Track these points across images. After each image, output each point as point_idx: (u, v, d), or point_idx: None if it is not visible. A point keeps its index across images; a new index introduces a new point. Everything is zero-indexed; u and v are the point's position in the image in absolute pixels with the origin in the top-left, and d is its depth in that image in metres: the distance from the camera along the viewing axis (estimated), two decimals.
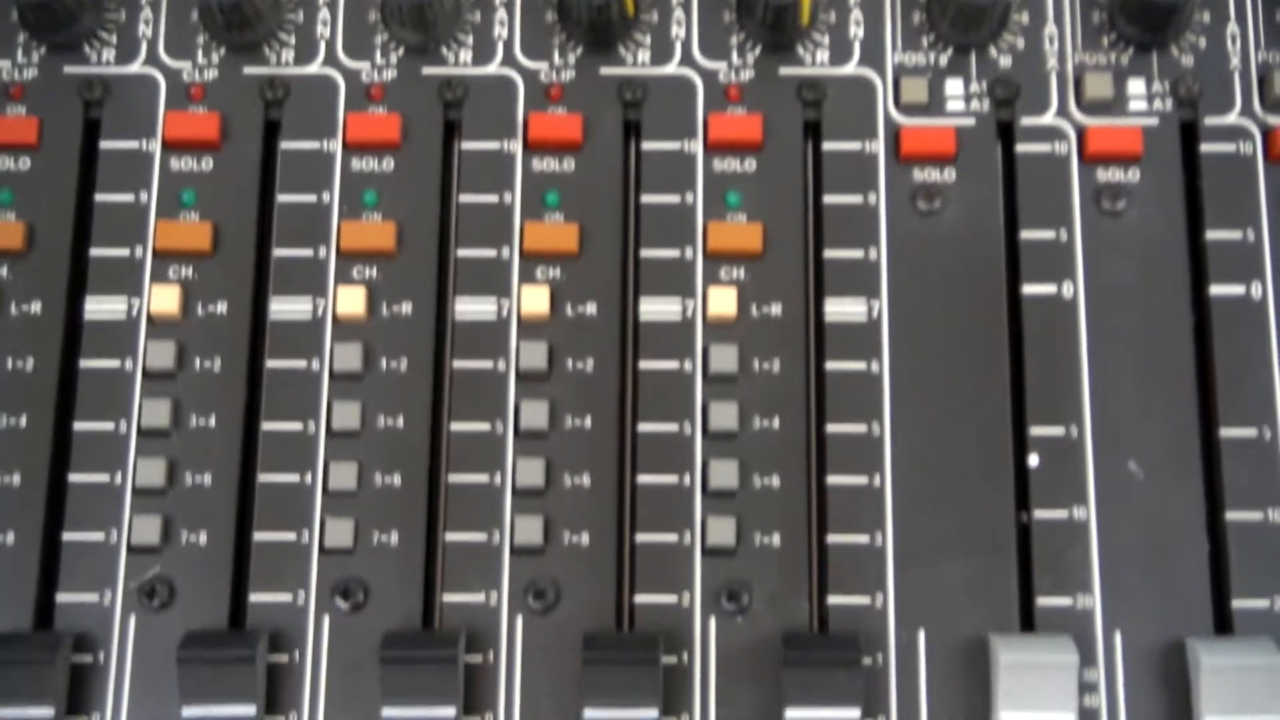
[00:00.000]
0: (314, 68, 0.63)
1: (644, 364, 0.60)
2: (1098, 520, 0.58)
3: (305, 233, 0.62)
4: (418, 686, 0.55)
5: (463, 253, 0.61)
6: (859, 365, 0.60)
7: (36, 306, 0.61)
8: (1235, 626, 0.57)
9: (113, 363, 0.60)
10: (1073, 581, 0.58)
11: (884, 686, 0.57)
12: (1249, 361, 0.60)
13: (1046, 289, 0.61)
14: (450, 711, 0.55)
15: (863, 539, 0.58)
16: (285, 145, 0.62)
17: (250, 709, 0.55)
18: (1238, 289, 0.60)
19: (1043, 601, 0.58)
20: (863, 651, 0.56)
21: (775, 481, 0.59)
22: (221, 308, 0.61)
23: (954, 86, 0.62)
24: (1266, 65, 0.62)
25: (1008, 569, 0.58)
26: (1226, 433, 0.59)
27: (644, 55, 0.63)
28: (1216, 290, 0.60)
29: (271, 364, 0.60)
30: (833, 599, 0.58)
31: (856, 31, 0.63)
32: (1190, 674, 0.56)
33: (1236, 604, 0.57)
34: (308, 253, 0.61)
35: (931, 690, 0.57)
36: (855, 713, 0.55)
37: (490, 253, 0.61)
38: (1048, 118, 0.62)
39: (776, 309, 0.61)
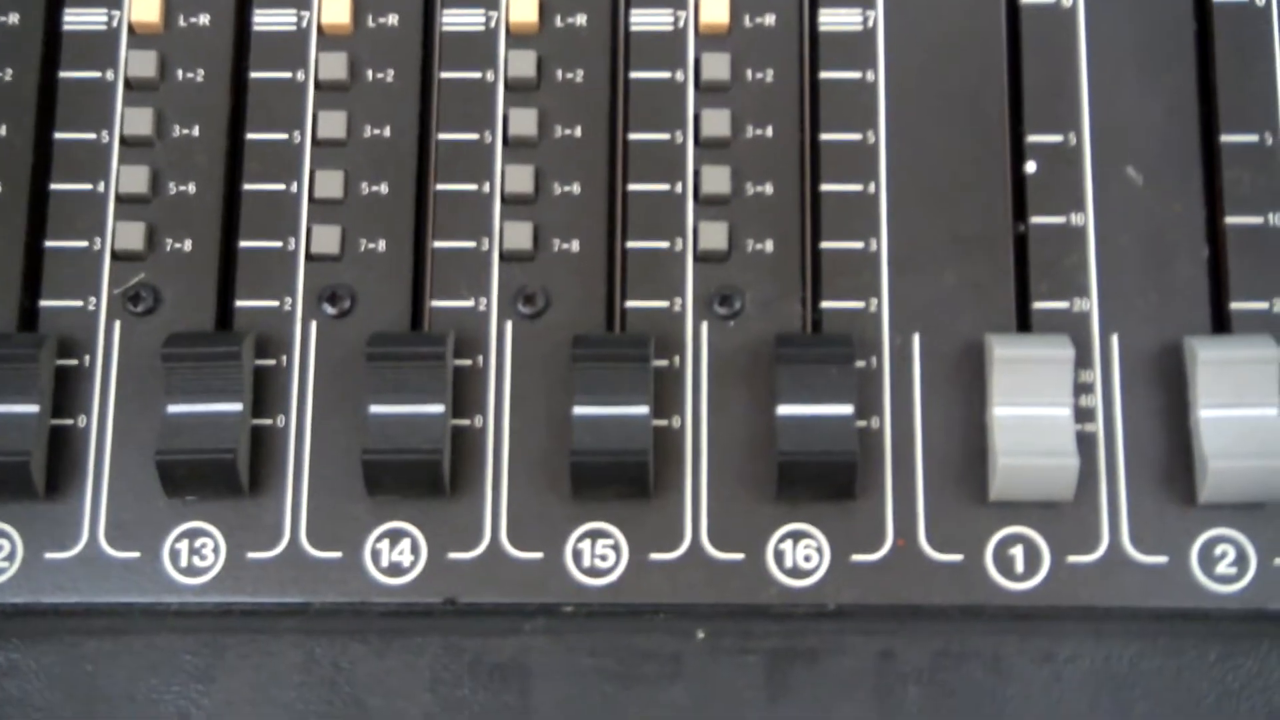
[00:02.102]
0: None
1: (635, 74, 0.59)
2: (1096, 226, 0.58)
3: None
4: (405, 384, 0.55)
5: None
6: (854, 74, 0.59)
7: (15, 17, 0.60)
8: (1233, 328, 0.56)
9: (94, 73, 0.59)
10: (1070, 286, 0.57)
11: (878, 389, 0.56)
12: (1252, 68, 0.59)
13: None
14: (439, 409, 0.55)
15: (857, 245, 0.58)
16: None
17: (237, 406, 0.55)
18: None
19: (1039, 305, 0.57)
20: (856, 350, 0.55)
21: (768, 188, 0.58)
22: (204, 19, 0.60)
23: None
24: None
25: (1004, 274, 0.57)
26: (1227, 138, 0.58)
27: None
28: None
29: (255, 75, 0.59)
30: (826, 303, 0.57)
31: None
32: (1186, 370, 0.55)
33: (1234, 306, 0.57)
34: None
35: (926, 392, 0.56)
36: (848, 409, 0.54)
37: None
38: None
39: (770, 19, 0.60)
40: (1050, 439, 0.54)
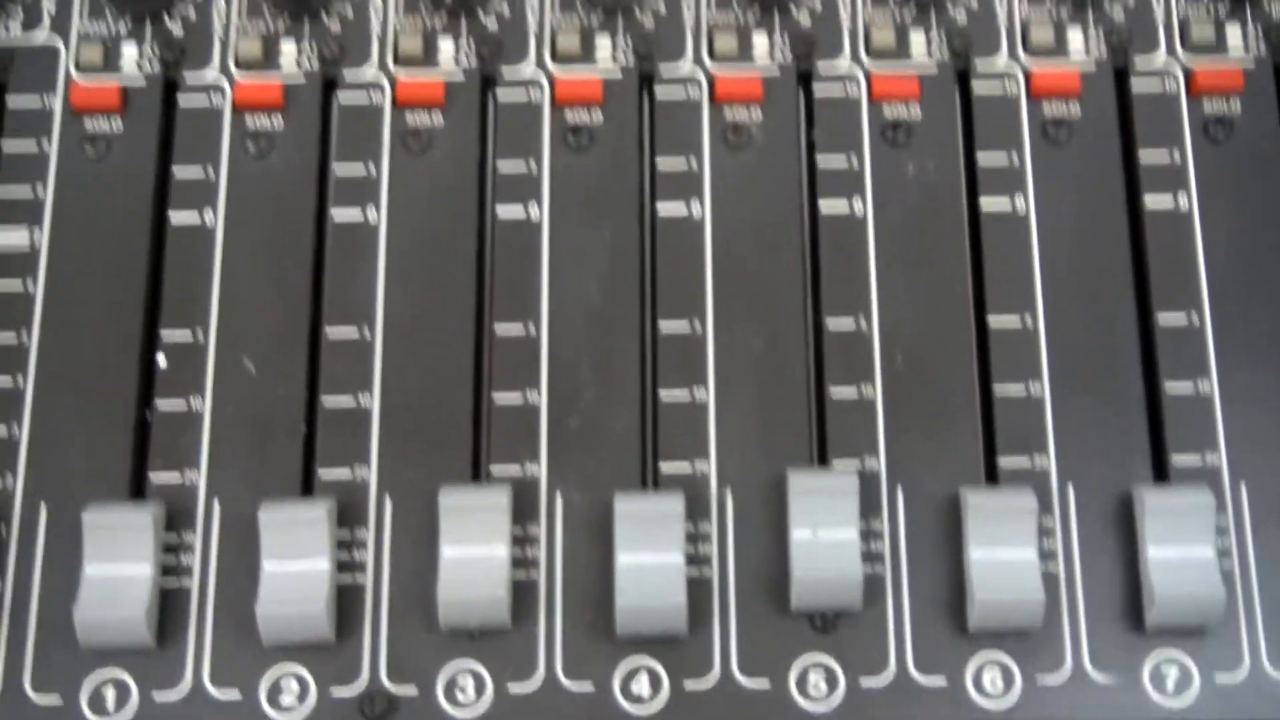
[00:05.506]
0: None
1: None
2: (211, 407, 0.67)
3: None
4: None
5: None
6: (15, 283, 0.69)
7: None
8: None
9: None
10: (181, 459, 0.66)
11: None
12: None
13: (190, 217, 0.70)
14: None
15: None
16: None
17: None
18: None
19: (155, 478, 0.66)
20: None
21: None
22: None
23: None
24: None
25: (127, 451, 0.66)
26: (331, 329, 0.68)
27: None
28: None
29: None
30: None
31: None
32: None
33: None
34: None
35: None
36: None
37: None
38: None
39: None
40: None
